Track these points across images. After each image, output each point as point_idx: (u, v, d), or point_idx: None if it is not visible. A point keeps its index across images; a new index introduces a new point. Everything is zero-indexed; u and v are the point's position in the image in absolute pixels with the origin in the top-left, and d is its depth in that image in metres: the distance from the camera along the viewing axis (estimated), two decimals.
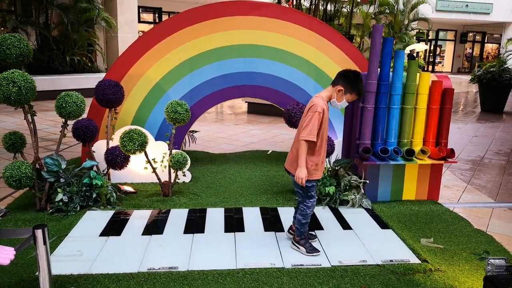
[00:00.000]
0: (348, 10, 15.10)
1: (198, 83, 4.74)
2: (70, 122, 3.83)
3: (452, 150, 3.88)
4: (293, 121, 4.45)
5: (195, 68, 4.69)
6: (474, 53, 31.73)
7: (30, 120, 3.56)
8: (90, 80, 11.58)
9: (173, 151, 4.03)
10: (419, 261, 2.86)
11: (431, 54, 30.48)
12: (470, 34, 30.97)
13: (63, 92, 3.73)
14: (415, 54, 20.70)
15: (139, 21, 16.95)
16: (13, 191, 4.05)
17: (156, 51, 4.59)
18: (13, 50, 3.39)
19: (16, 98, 3.31)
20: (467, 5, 25.72)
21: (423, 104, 3.91)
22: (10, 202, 3.82)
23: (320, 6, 12.87)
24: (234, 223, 3.44)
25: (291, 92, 4.81)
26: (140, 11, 18.49)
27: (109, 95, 4.03)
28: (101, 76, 11.78)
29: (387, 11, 19.65)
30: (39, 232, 2.11)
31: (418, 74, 3.91)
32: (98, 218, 3.48)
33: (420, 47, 16.96)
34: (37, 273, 2.54)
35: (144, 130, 3.91)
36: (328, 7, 14.25)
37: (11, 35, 3.46)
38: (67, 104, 3.64)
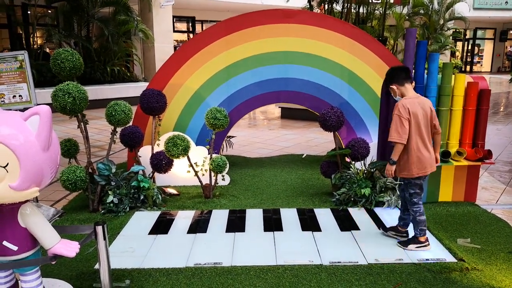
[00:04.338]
0: (381, 12, 14.95)
1: (235, 90, 4.94)
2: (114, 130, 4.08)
3: (489, 151, 3.87)
4: (328, 124, 4.55)
5: (232, 76, 4.90)
6: None
7: (83, 128, 3.86)
8: (129, 89, 12.10)
9: (213, 155, 4.24)
10: (455, 260, 2.91)
11: (468, 54, 29.51)
12: (511, 32, 29.76)
13: (112, 102, 3.99)
14: None
15: (174, 31, 17.44)
16: (67, 194, 4.39)
17: (194, 61, 4.82)
18: (66, 63, 3.68)
19: (71, 107, 3.59)
20: (506, 2, 24.68)
21: (458, 106, 3.93)
22: (65, 204, 4.14)
23: (352, 10, 12.84)
24: (272, 223, 3.59)
25: (326, 96, 4.92)
26: (174, 20, 19.00)
27: (153, 103, 4.29)
28: (139, 85, 12.33)
29: (421, 11, 19.25)
30: (99, 229, 2.35)
31: (453, 75, 3.94)
32: (146, 218, 3.73)
33: None
34: (96, 266, 2.80)
35: (186, 136, 4.13)
36: (361, 10, 14.18)
37: (64, 49, 3.73)
38: (116, 113, 3.91)
